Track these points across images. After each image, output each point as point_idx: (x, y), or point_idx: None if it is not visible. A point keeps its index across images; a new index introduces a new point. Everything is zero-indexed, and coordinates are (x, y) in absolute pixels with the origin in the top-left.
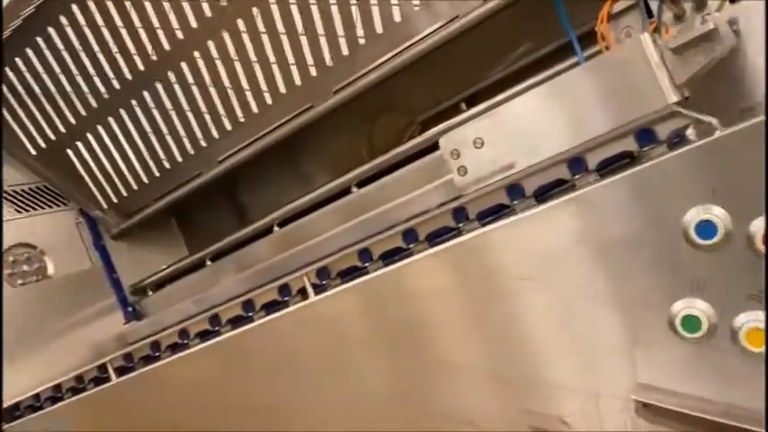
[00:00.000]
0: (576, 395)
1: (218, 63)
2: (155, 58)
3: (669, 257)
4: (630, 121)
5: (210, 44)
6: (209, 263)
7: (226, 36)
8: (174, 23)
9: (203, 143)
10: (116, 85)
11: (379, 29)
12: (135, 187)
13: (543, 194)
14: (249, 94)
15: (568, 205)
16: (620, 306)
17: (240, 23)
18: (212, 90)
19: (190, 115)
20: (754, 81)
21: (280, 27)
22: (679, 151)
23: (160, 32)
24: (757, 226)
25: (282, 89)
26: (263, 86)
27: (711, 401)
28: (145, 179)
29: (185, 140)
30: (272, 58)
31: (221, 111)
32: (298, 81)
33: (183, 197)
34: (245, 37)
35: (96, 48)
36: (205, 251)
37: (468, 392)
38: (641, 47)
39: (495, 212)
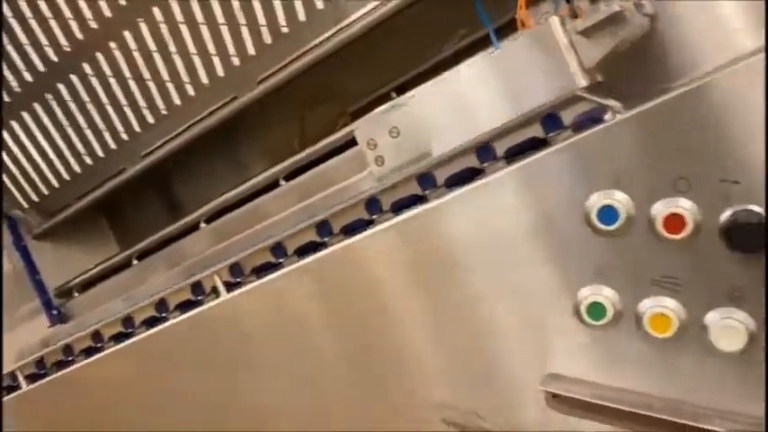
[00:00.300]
0: (489, 388)
1: (136, 54)
2: (68, 49)
3: (574, 244)
4: (539, 107)
5: (126, 34)
6: (135, 262)
7: (142, 25)
8: (87, 13)
9: (125, 137)
10: (28, 77)
11: (302, 16)
12: (56, 185)
13: (454, 184)
14: (170, 86)
15: (472, 195)
16: (529, 295)
17: (156, 12)
18: (131, 82)
19: (109, 108)
20: (672, 62)
21: (198, 16)
22: (578, 137)
23: (72, 23)
24: (658, 209)
25: (205, 80)
26: (185, 77)
27: (620, 390)
28: (66, 176)
29: (106, 135)
30: (191, 48)
31: (142, 103)
32: (220, 72)
33: (111, 193)
34: (163, 26)
35: (5, 40)
36: (132, 249)
37: (380, 387)
38: (550, 30)
39: (411, 203)
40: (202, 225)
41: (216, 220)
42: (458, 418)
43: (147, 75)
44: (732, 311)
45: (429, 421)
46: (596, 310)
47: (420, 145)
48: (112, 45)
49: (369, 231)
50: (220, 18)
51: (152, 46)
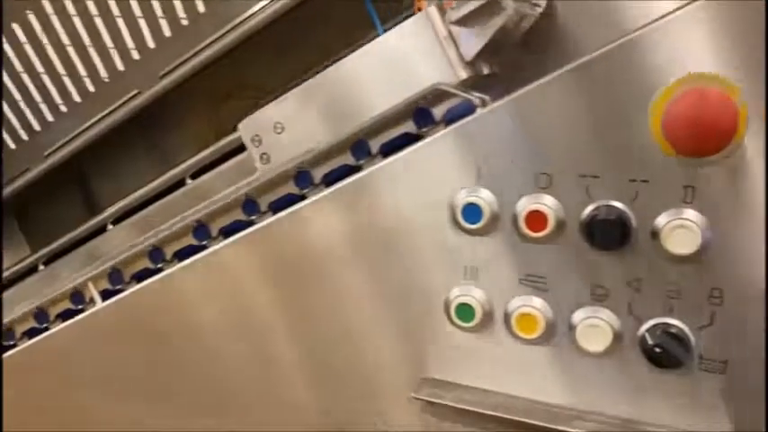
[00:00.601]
0: (365, 392)
1: (28, 48)
2: None
3: (443, 243)
4: (413, 100)
5: (16, 27)
6: (42, 267)
7: (32, 18)
8: None
9: (25, 136)
10: None
11: (201, 8)
12: None
13: (332, 182)
14: (68, 81)
15: (343, 193)
16: (403, 296)
17: (47, 5)
18: (26, 77)
19: (4, 104)
20: (566, 51)
21: (92, 8)
22: (443, 132)
23: None
24: (523, 206)
25: (105, 76)
26: (83, 72)
27: (487, 392)
28: None
29: (5, 135)
30: (87, 42)
31: (39, 100)
32: (120, 66)
33: (18, 195)
34: (54, 19)
35: None
36: (39, 253)
37: (267, 397)
38: (428, 20)
39: (290, 202)
40: (110, 227)
41: (126, 219)
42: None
43: (41, 69)
44: (597, 310)
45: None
46: (465, 311)
47: (303, 141)
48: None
49: (234, 237)
50: (115, 10)
51: (44, 39)
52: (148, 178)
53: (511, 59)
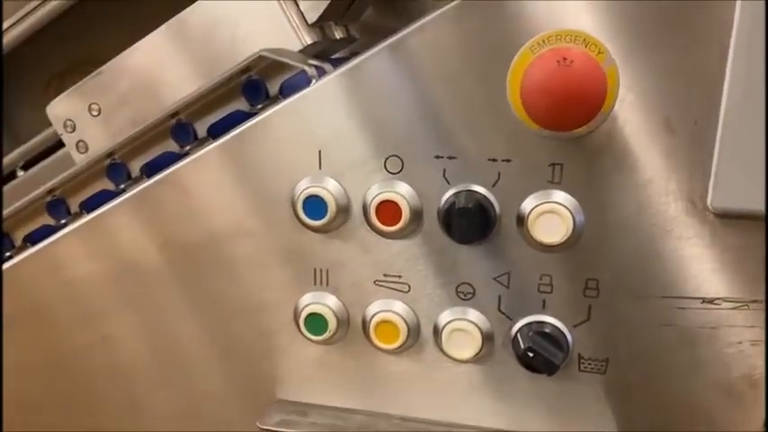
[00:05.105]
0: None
1: None
2: None
3: (286, 245)
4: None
5: None
6: None
7: None
8: None
9: None
10: None
11: None
12: None
13: (152, 173)
14: None
15: (157, 191)
16: (242, 311)
17: None
18: None
19: None
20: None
21: None
22: (274, 109)
23: None
24: (373, 195)
25: None
26: None
27: (354, 413)
28: None
29: None
30: None
31: None
32: None
33: None
34: None
35: None
36: None
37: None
38: None
39: (103, 200)
40: None
41: None
42: None
43: None
44: (464, 311)
45: None
46: (316, 322)
47: (126, 125)
48: None
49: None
50: None
51: None
52: None
53: (376, 22)
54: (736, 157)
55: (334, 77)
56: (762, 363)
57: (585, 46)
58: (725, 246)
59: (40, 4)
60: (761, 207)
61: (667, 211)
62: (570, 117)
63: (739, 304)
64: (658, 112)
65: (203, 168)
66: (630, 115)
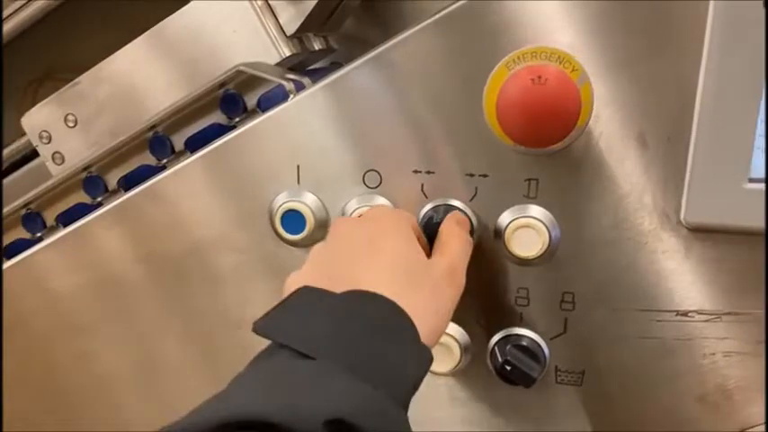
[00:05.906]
0: None
1: None
2: None
3: (267, 258)
4: (215, 86)
5: None
6: None
7: None
8: None
9: None
10: None
11: None
12: None
13: (130, 187)
14: None
15: (135, 205)
16: (234, 323)
17: None
18: None
19: None
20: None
21: None
22: (253, 123)
23: None
24: (352, 209)
25: None
26: None
27: None
28: None
29: None
30: None
31: None
32: None
33: None
34: None
35: None
36: None
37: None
38: None
39: (81, 214)
40: None
41: None
42: None
43: None
44: None
45: None
46: None
47: (103, 136)
48: None
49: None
50: None
51: None
52: None
53: (356, 33)
54: (708, 171)
55: (314, 91)
56: (736, 373)
57: (560, 63)
58: (698, 259)
59: (16, 12)
60: (733, 221)
61: (642, 224)
62: (545, 134)
63: (712, 317)
64: (633, 127)
65: (184, 181)
66: (606, 130)
